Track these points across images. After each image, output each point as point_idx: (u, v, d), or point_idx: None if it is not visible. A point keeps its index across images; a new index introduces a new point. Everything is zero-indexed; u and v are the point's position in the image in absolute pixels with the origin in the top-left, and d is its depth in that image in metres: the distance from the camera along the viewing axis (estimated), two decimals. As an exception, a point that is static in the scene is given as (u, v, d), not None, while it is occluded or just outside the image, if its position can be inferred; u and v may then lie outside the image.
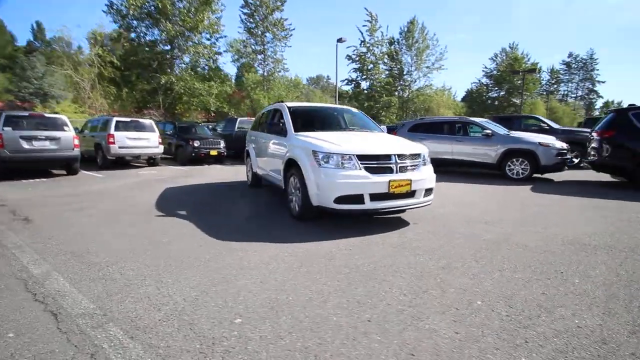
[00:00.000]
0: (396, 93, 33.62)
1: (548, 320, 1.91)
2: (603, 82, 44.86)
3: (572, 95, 45.06)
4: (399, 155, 3.70)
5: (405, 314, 2.00)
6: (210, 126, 14.60)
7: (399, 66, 33.47)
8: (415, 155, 3.83)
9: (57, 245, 3.35)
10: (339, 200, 3.48)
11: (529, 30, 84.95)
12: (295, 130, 4.44)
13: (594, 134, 6.84)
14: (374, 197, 3.51)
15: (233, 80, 27.27)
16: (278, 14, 24.64)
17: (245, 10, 24.69)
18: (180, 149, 11.54)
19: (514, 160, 7.54)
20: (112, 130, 9.49)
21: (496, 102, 42.02)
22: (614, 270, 2.57)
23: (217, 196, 5.97)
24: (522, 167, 7.45)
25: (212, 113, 21.65)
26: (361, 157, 3.56)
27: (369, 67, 31.52)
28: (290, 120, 4.64)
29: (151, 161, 10.78)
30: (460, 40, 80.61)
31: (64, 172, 8.51)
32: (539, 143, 7.29)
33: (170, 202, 5.29)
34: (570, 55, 45.48)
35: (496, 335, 1.78)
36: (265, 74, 24.52)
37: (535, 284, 2.37)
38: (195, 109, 21.48)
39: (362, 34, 30.67)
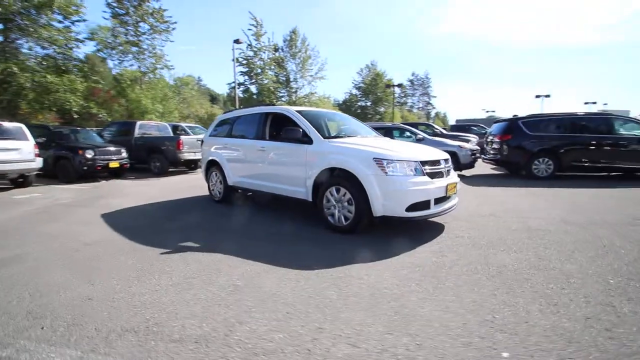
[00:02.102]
0: (284, 99, 34.37)
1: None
2: (435, 97, 58.22)
3: (416, 107, 56.38)
4: (445, 160, 3.92)
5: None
6: (94, 132, 11.48)
7: (285, 73, 34.37)
8: (448, 159, 4.12)
9: None
10: (411, 208, 3.41)
11: (383, 49, 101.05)
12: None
13: (494, 137, 8.82)
14: (436, 201, 3.60)
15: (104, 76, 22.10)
16: (155, 2, 21.46)
17: (111, -7, 20.46)
18: (63, 162, 8.66)
19: (441, 160, 8.95)
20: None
21: (365, 111, 48.39)
22: (613, 231, 3.46)
23: (209, 218, 4.81)
24: (447, 165, 8.93)
25: (73, 115, 16.99)
26: (422, 163, 3.60)
27: (257, 72, 31.17)
28: (312, 127, 4.22)
29: (20, 180, 7.66)
30: (333, 53, 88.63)
31: None
32: (459, 146, 8.90)
33: (155, 236, 3.97)
34: (413, 74, 56.91)
35: None
36: (144, 69, 20.93)
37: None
38: (49, 110, 16.41)
39: (247, 37, 30.03)
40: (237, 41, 19.80)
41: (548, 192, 6.23)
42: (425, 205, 3.48)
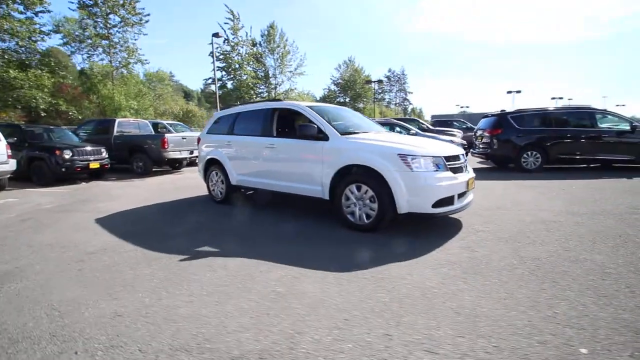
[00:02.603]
0: (263, 95, 33.79)
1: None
2: (411, 93, 59.28)
3: (393, 102, 57.27)
4: (462, 155, 3.92)
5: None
6: (69, 130, 10.69)
7: (263, 68, 33.75)
8: (464, 154, 4.12)
9: None
10: (437, 204, 3.38)
11: (359, 46, 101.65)
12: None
13: (485, 132, 9.05)
14: (459, 196, 3.59)
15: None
16: (125, -7, 20.27)
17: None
18: (38, 164, 7.99)
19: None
20: None
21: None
22: (620, 221, 3.61)
23: (214, 220, 4.54)
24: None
25: (40, 113, 15.79)
26: (445, 159, 3.57)
27: (236, 67, 30.40)
28: (328, 122, 4.09)
29: (-9, 185, 6.99)
30: (310, 49, 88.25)
31: None
32: (451, 141, 9.05)
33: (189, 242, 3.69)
34: (389, 70, 57.67)
35: None
36: (116, 64, 19.80)
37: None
38: (13, 108, 15.12)
39: (224, 31, 29.15)
40: (216, 35, 19.09)
41: (542, 185, 6.45)
42: (449, 200, 3.46)
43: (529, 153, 8.26)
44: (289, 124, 5.14)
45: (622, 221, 3.87)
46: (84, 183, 8.37)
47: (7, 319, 2.11)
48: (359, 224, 3.72)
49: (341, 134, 3.98)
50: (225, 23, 29.16)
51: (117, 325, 2.00)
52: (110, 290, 2.46)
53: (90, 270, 2.86)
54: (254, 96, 32.00)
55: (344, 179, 3.79)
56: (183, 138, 10.84)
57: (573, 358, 1.62)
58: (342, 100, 48.81)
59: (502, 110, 9.26)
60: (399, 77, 56.50)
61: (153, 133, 11.23)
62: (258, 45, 33.16)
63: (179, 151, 10.48)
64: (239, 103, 30.33)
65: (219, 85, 30.67)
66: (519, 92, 39.09)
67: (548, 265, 2.71)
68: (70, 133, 9.82)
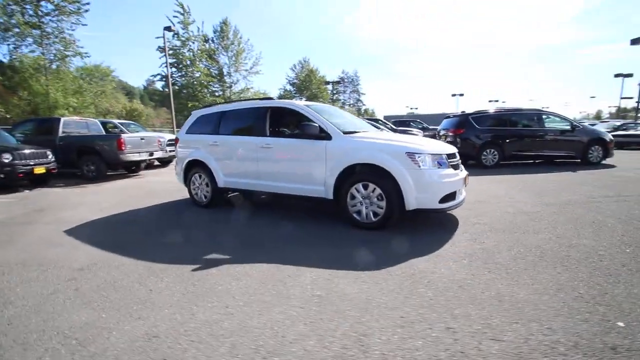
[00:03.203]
0: (218, 94, 32.48)
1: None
2: (364, 94, 61.25)
3: (347, 103, 58.60)
4: (457, 153, 4.14)
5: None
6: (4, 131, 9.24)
7: (217, 66, 32.41)
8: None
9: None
10: (443, 199, 3.53)
11: (311, 48, 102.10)
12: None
13: (448, 131, 9.67)
14: (458, 192, 3.80)
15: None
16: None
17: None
18: (-32, 170, 6.80)
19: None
20: None
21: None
22: (586, 209, 4.12)
23: (206, 226, 4.22)
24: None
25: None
26: (447, 156, 3.74)
27: (187, 64, 28.78)
28: (329, 122, 4.05)
29: None
30: (263, 49, 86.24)
31: None
32: (419, 139, 9.53)
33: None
34: (343, 72, 58.97)
35: None
36: (50, 56, 17.60)
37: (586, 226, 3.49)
38: None
39: (173, 25, 27.38)
40: (168, 29, 17.85)
41: (505, 179, 7.08)
42: (452, 196, 3.65)
43: (488, 150, 9.01)
44: (282, 123, 5.01)
45: (588, 209, 4.40)
46: (27, 191, 7.32)
47: (13, 355, 1.77)
48: (365, 222, 3.75)
49: (344, 133, 3.99)
50: (175, 17, 27.46)
51: (158, 348, 1.78)
52: (129, 310, 2.19)
53: (91, 289, 2.52)
54: (208, 95, 30.63)
55: (349, 178, 3.80)
56: (141, 139, 10.02)
57: (615, 331, 1.80)
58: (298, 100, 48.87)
59: (463, 112, 9.98)
60: (352, 79, 58.04)
61: (104, 133, 10.21)
62: (210, 42, 31.79)
63: (138, 153, 9.66)
64: (220, 102, 28.95)
65: (168, 82, 28.79)
66: (462, 95, 42.41)
67: (550, 251, 2.98)
68: (6, 134, 8.51)
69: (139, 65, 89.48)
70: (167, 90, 30.02)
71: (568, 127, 8.98)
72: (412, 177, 3.48)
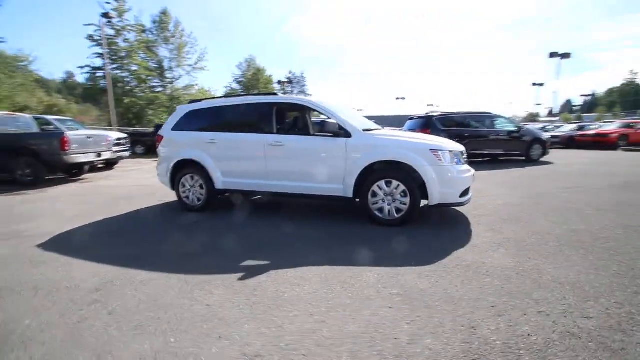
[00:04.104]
0: (159, 90, 29.98)
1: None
2: (311, 95, 62.26)
3: (294, 103, 58.83)
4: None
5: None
6: None
7: (157, 59, 29.85)
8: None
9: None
10: (462, 194, 3.73)
11: (258, 46, 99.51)
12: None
13: (415, 131, 10.22)
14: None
15: None
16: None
17: None
18: None
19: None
20: None
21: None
22: (559, 200, 4.74)
23: (216, 232, 3.81)
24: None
25: None
26: (461, 153, 3.95)
27: (122, 55, 25.99)
28: (347, 119, 3.99)
29: None
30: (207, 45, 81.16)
31: None
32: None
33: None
34: (290, 72, 58.88)
35: None
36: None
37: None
38: None
39: (105, 10, 24.49)
40: (106, 15, 15.88)
41: (477, 175, 7.72)
42: (468, 191, 3.87)
43: (451, 149, 9.76)
44: (290, 120, 4.81)
45: (560, 200, 5.02)
46: (-56, 201, 5.93)
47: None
48: (388, 219, 3.79)
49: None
50: (107, 3, 24.60)
51: (270, 367, 1.58)
52: (200, 330, 1.90)
53: (130, 311, 2.13)
54: (147, 91, 28.12)
55: (370, 176, 3.80)
56: (88, 137, 8.82)
57: (666, 301, 2.09)
58: (244, 99, 47.36)
59: (427, 114, 10.66)
60: (298, 79, 58.17)
61: (48, 131, 8.76)
62: (149, 33, 29.16)
63: (84, 154, 8.49)
64: (160, 98, 26.17)
65: (91, 75, 25.63)
66: (403, 98, 45.26)
67: (563, 237, 3.33)
68: None
69: (57, 55, 78.15)
70: (92, 84, 26.89)
71: (515, 129, 10.16)
72: (436, 173, 3.61)
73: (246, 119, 4.50)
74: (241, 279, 2.56)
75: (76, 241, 3.64)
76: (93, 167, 10.47)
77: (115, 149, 10.27)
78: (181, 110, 4.98)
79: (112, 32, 25.19)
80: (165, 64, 30.24)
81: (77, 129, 11.19)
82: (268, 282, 2.50)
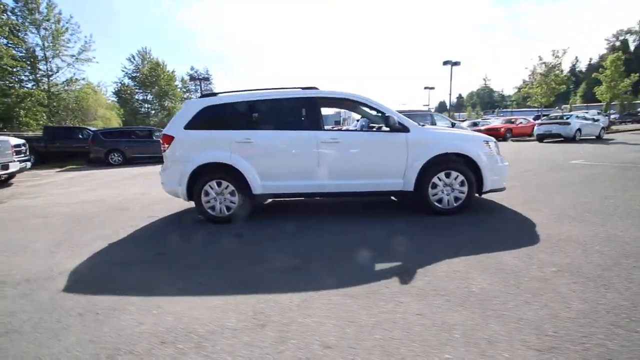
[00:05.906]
0: (29, 85, 23.99)
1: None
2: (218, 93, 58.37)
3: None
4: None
5: None
6: None
7: (24, 46, 23.76)
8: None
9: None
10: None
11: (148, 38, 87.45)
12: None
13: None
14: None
15: None
16: None
17: None
18: None
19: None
20: None
21: (147, 105, 41.74)
22: (578, 174, 5.80)
23: (279, 247, 3.26)
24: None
25: None
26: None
27: (-27, 39, 19.86)
28: (399, 114, 4.01)
29: None
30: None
31: None
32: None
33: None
34: (192, 68, 53.95)
35: None
36: None
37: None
38: None
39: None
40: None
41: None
42: (505, 178, 4.35)
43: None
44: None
45: (572, 173, 6.09)
46: None
47: None
48: (448, 208, 3.99)
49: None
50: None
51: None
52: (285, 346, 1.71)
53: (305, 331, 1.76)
54: (15, 84, 22.25)
55: (430, 169, 3.92)
56: (21, 145, 6.58)
57: None
58: (144, 97, 41.74)
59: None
60: (206, 77, 54.00)
61: None
62: (10, 14, 22.97)
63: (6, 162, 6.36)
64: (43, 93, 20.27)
65: None
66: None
67: (599, 206, 4.05)
68: None
69: None
70: None
71: (450, 124, 11.75)
72: (489, 162, 3.97)
73: (287, 114, 4.06)
74: (404, 282, 2.37)
75: (105, 264, 2.72)
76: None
77: (16, 157, 7.90)
78: (193, 106, 4.17)
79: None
80: (39, 53, 24.38)
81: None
82: (438, 279, 2.38)
